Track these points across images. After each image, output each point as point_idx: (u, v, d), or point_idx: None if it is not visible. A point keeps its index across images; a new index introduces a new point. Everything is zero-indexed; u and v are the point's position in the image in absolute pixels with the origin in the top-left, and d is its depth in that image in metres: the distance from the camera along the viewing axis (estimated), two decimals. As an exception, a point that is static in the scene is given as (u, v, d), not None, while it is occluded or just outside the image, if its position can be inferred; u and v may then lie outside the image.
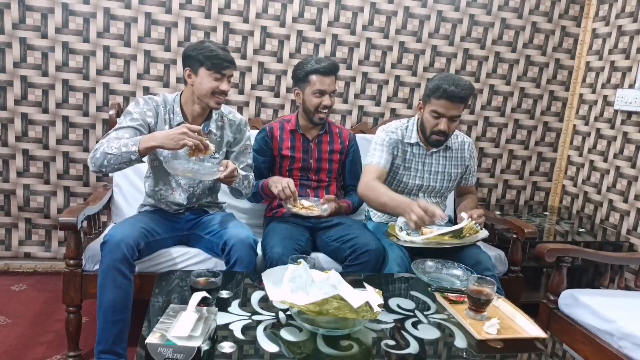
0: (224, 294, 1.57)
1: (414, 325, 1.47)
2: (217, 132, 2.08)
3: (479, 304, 1.52)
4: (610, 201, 2.89)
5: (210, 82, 1.94)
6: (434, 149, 2.24)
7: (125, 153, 1.78)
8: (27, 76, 2.65)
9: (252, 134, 2.36)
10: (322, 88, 2.20)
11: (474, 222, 2.05)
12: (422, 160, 2.24)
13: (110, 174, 2.53)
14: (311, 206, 2.17)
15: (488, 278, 1.59)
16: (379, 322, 1.45)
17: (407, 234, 2.05)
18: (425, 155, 2.24)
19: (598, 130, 3.01)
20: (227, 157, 2.13)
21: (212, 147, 1.83)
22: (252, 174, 2.17)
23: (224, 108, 2.15)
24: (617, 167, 2.85)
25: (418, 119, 2.23)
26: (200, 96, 1.98)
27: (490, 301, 1.54)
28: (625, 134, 2.81)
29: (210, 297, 1.39)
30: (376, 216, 2.37)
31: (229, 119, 2.13)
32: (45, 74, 2.66)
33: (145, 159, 2.12)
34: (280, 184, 2.10)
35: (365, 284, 1.53)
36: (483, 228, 2.11)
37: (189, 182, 2.09)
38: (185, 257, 2.05)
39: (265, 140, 2.32)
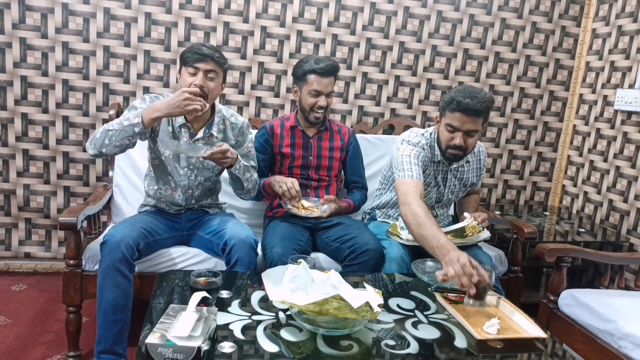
0: (224, 294, 1.57)
1: (414, 325, 1.46)
2: (218, 135, 2.07)
3: (479, 291, 1.53)
4: (610, 201, 2.89)
5: (187, 78, 1.94)
6: (455, 164, 2.17)
7: (128, 127, 1.79)
8: (27, 76, 2.65)
9: (255, 134, 2.36)
10: (319, 89, 2.20)
11: (476, 222, 2.05)
12: (443, 176, 2.20)
13: (110, 174, 2.54)
14: (311, 207, 2.17)
15: (487, 267, 1.60)
16: (379, 322, 1.45)
17: (409, 233, 2.05)
18: (447, 172, 2.20)
19: (598, 130, 3.01)
20: None
21: (205, 103, 1.88)
22: (256, 174, 2.16)
23: (226, 111, 2.13)
24: (617, 167, 2.85)
25: (436, 132, 2.13)
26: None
27: (490, 287, 1.55)
28: (625, 134, 2.81)
29: (210, 297, 1.39)
30: (381, 217, 2.36)
31: (230, 122, 2.12)
32: (45, 74, 2.66)
33: (146, 157, 2.12)
34: (285, 184, 2.09)
35: (365, 284, 1.53)
36: (485, 229, 2.11)
37: (188, 183, 2.08)
38: (185, 257, 2.05)
39: (265, 138, 2.32)
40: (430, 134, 2.17)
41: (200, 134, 2.03)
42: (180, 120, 2.00)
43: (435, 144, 2.13)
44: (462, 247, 2.04)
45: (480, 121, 1.96)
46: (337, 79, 2.28)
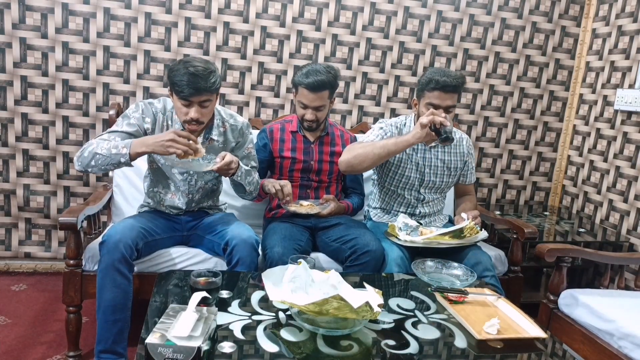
0: (224, 294, 1.57)
1: (414, 325, 1.47)
2: (219, 138, 2.05)
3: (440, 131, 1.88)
4: (610, 201, 2.89)
5: (180, 108, 1.87)
6: (433, 144, 2.24)
7: (114, 155, 1.77)
8: (27, 76, 2.65)
9: (255, 134, 2.35)
10: (305, 102, 2.19)
11: (473, 222, 2.06)
12: (422, 155, 2.25)
13: (110, 174, 2.53)
14: (310, 205, 2.17)
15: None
16: (379, 322, 1.45)
17: (407, 234, 2.06)
18: (425, 150, 2.25)
19: (598, 130, 3.01)
20: None
21: (202, 150, 1.81)
22: (258, 174, 2.16)
23: (225, 113, 2.10)
24: (617, 167, 2.85)
25: (415, 115, 2.25)
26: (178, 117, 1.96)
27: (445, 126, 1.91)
28: (625, 134, 2.81)
29: (210, 297, 1.40)
30: (376, 216, 2.37)
31: (230, 124, 2.08)
32: (45, 74, 2.66)
33: (145, 159, 2.11)
34: (278, 183, 2.10)
35: (365, 284, 1.53)
36: (482, 229, 2.12)
37: (188, 187, 2.06)
38: (185, 257, 2.05)
39: (264, 143, 2.32)
40: (405, 117, 2.32)
41: (199, 139, 1.99)
42: (177, 126, 1.96)
43: (412, 124, 2.25)
44: (462, 247, 2.06)
45: (456, 97, 2.12)
46: (334, 90, 2.23)
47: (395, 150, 2.06)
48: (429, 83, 2.09)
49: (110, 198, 2.47)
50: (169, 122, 1.99)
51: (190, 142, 1.76)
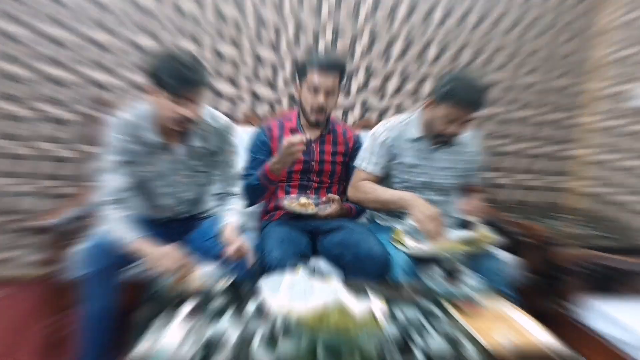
0: (218, 302, 1.50)
1: (421, 335, 1.41)
2: (199, 143, 1.89)
3: None
4: (633, 204, 2.78)
5: (169, 107, 1.68)
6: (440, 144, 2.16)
7: (122, 246, 1.69)
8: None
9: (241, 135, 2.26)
10: (317, 83, 2.09)
11: (487, 229, 1.99)
12: (427, 155, 2.15)
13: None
14: (307, 203, 2.09)
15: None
16: (383, 330, 1.38)
17: (415, 239, 1.97)
18: (430, 151, 2.16)
19: (617, 127, 2.91)
20: (210, 167, 1.97)
21: (197, 281, 1.60)
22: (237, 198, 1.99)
23: (204, 113, 1.90)
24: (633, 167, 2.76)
25: (421, 112, 2.14)
26: (161, 119, 1.76)
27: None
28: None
29: (203, 305, 1.37)
30: (380, 219, 2.29)
31: (214, 128, 1.92)
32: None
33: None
34: (287, 142, 1.93)
35: (369, 293, 1.49)
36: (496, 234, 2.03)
37: (170, 202, 1.96)
38: (178, 263, 1.96)
39: (263, 140, 2.23)
40: (408, 116, 2.19)
41: (180, 150, 1.86)
42: (153, 137, 1.81)
43: (416, 122, 2.15)
44: (473, 255, 1.96)
45: (476, 111, 2.02)
46: (343, 76, 2.17)
47: (393, 208, 2.08)
48: (451, 97, 1.95)
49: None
50: (141, 133, 1.81)
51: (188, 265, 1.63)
